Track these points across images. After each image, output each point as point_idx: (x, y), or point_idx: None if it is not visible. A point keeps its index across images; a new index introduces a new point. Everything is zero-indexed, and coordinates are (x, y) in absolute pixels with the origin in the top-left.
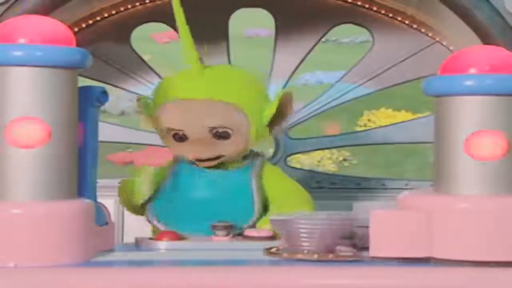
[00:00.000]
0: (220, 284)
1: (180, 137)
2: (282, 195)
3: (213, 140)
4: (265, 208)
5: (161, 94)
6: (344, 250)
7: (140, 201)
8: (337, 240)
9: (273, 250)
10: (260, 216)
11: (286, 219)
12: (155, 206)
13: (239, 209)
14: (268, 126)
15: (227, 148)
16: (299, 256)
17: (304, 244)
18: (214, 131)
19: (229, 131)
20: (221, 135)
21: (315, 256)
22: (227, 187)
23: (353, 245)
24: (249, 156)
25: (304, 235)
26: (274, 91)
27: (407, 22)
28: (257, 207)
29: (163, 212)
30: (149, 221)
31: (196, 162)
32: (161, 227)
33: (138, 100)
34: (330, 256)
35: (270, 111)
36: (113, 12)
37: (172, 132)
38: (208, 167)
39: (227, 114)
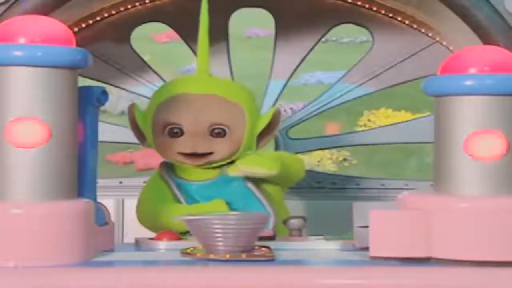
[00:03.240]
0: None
1: (175, 133)
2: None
3: (209, 137)
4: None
5: (158, 94)
6: (259, 250)
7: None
8: (253, 240)
9: (189, 250)
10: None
11: (200, 219)
12: None
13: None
14: (256, 139)
15: (220, 146)
16: (211, 256)
17: (219, 244)
18: (212, 127)
19: (226, 129)
20: (218, 132)
21: (227, 256)
22: (228, 196)
23: None
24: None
25: (218, 235)
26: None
27: (407, 22)
28: (269, 207)
29: None
30: None
31: (186, 162)
32: None
33: (129, 107)
34: (243, 256)
35: (263, 121)
36: (113, 12)
37: (168, 128)
38: (198, 165)
39: (228, 110)
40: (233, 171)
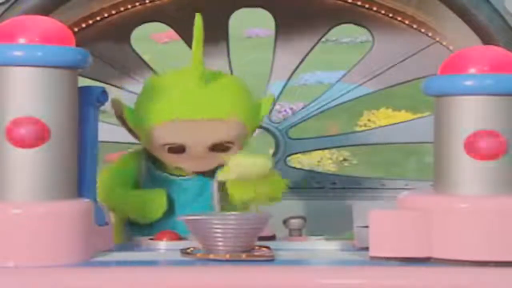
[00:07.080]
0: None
1: (176, 150)
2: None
3: (212, 154)
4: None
5: (154, 108)
6: (259, 250)
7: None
8: (253, 240)
9: (189, 250)
10: None
11: (200, 219)
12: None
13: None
14: None
15: (225, 158)
16: (211, 256)
17: (219, 244)
18: (214, 145)
19: (230, 145)
20: (222, 149)
21: (227, 256)
22: (197, 193)
23: None
24: None
25: (218, 235)
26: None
27: (407, 22)
28: (217, 206)
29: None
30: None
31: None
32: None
33: (115, 105)
34: (243, 256)
35: (264, 113)
36: (113, 12)
37: (168, 146)
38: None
39: (229, 131)
40: (224, 174)
